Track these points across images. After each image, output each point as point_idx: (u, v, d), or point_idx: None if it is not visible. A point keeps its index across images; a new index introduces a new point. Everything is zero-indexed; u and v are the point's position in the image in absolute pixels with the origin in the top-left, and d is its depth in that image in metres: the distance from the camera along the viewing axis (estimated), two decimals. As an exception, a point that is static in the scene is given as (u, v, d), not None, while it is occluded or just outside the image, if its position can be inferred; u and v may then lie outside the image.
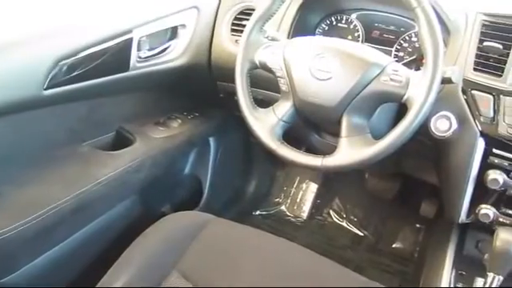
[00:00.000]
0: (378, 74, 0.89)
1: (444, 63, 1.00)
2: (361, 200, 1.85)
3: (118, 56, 1.09)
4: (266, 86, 1.18)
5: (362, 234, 1.80)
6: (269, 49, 1.01)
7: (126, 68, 1.13)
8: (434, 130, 1.00)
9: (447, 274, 1.03)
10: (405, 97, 0.87)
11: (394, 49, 1.21)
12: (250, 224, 1.78)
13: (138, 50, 1.14)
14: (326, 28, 1.29)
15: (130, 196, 1.29)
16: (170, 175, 1.47)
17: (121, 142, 1.26)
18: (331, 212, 1.89)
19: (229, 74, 1.06)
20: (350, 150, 0.90)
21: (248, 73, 1.03)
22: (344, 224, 1.85)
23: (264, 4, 1.00)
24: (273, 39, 1.06)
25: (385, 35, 1.23)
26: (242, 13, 1.27)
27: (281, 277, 0.96)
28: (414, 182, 1.45)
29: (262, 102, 1.07)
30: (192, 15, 1.24)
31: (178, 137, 1.34)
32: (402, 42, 1.20)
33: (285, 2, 1.04)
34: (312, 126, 1.17)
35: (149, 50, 1.18)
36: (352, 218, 1.85)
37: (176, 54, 1.25)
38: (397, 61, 1.19)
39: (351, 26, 1.26)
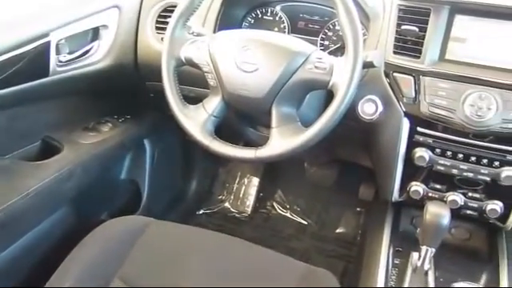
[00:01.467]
0: (302, 63, 0.90)
1: (365, 48, 1.04)
2: (302, 190, 1.88)
3: (35, 61, 1.04)
4: (196, 83, 1.16)
5: (305, 222, 1.83)
6: (194, 44, 1.00)
7: (46, 73, 1.08)
8: (361, 114, 1.03)
9: (385, 253, 1.07)
10: (330, 83, 0.89)
11: (319, 38, 1.24)
12: (195, 224, 1.77)
13: (57, 53, 1.09)
14: (252, 21, 1.29)
15: (63, 206, 1.24)
16: (105, 181, 1.42)
17: (48, 151, 1.20)
18: (275, 204, 1.91)
19: (157, 73, 1.04)
20: (281, 140, 0.91)
21: (175, 70, 1.01)
22: (288, 215, 1.87)
23: (185, 0, 0.99)
24: (198, 35, 1.04)
25: (310, 25, 1.26)
26: (165, 10, 1.25)
27: (225, 273, 0.96)
28: (351, 167, 1.49)
29: (195, 99, 1.06)
30: (113, 15, 1.21)
31: (110, 141, 1.29)
32: (326, 30, 1.23)
33: (209, -3, 1.03)
34: (245, 119, 1.17)
35: (69, 53, 1.13)
36: (295, 208, 1.87)
37: (99, 56, 1.21)
38: (323, 49, 1.23)
39: (277, 18, 1.28)
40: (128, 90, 1.39)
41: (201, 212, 1.89)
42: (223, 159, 1.42)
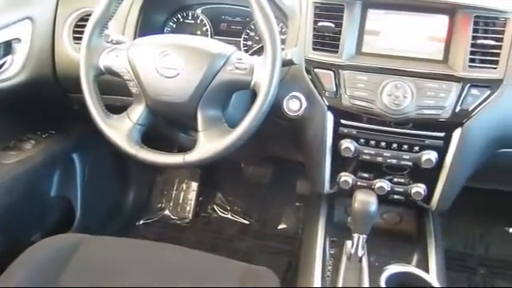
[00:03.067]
0: (223, 65, 0.91)
1: (286, 46, 1.06)
2: (241, 190, 1.89)
3: None
4: (120, 92, 1.13)
5: (247, 222, 1.84)
6: (113, 52, 0.98)
7: (-45, 92, 1.02)
8: (287, 111, 1.05)
9: (320, 244, 1.09)
10: (252, 83, 0.90)
11: (242, 39, 1.25)
12: (135, 235, 1.73)
13: (-33, 70, 1.03)
14: (174, 26, 1.28)
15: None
16: (33, 201, 1.35)
17: None
18: (215, 207, 1.90)
19: (78, 85, 1.01)
20: (208, 143, 0.91)
21: (95, 80, 0.99)
22: (229, 216, 1.87)
23: (100, 7, 0.97)
24: (118, 42, 1.02)
25: (232, 27, 1.26)
26: (82, 19, 1.21)
27: (163, 282, 0.94)
28: (287, 163, 1.52)
29: (122, 109, 1.03)
30: (26, 27, 1.16)
31: (34, 159, 1.24)
32: (248, 31, 1.24)
33: (126, 3, 1.01)
34: (174, 124, 1.16)
35: (-21, 70, 1.08)
36: (236, 208, 1.88)
37: (14, 71, 1.15)
38: (246, 50, 1.24)
39: (198, 21, 1.27)
40: (50, 104, 1.34)
41: (140, 223, 1.85)
42: (161, 167, 1.40)
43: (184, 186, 1.93)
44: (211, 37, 1.27)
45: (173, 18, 1.28)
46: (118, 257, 1.01)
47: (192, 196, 1.91)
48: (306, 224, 1.24)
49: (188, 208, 1.90)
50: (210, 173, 1.93)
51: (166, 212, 1.90)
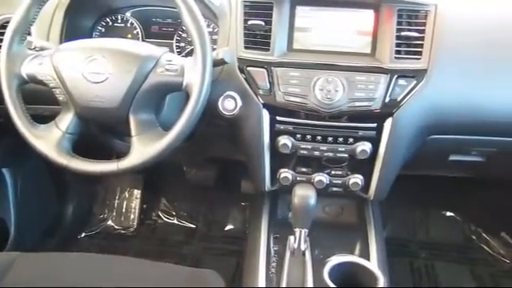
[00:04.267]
0: (153, 67, 0.89)
1: (218, 46, 1.06)
2: (186, 194, 1.86)
3: None
4: (47, 101, 1.08)
5: (194, 226, 1.82)
6: (35, 60, 0.93)
7: None
8: (222, 111, 1.04)
9: (264, 242, 1.09)
10: (184, 84, 0.88)
11: (174, 41, 1.23)
12: (77, 249, 1.67)
13: None
14: (103, 30, 1.24)
15: None
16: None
17: None
18: (160, 213, 1.87)
19: (0, 95, 0.95)
20: (142, 148, 0.89)
21: (18, 89, 0.94)
22: (175, 221, 1.84)
23: (18, 13, 0.92)
24: (41, 49, 0.98)
25: (164, 29, 1.24)
26: (2, 26, 1.15)
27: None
28: (230, 163, 1.51)
29: (51, 118, 0.99)
30: None
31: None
32: (180, 32, 1.22)
33: (49, 8, 0.97)
34: (107, 131, 1.13)
35: None
36: (181, 213, 1.85)
37: None
38: (179, 52, 1.23)
39: (128, 25, 1.24)
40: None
41: (82, 235, 1.79)
42: (97, 176, 1.35)
43: (127, 194, 1.88)
44: (142, 40, 1.24)
45: (101, 21, 1.24)
46: (57, 272, 0.96)
47: (136, 204, 1.87)
48: (251, 223, 1.24)
49: (132, 216, 1.85)
50: (153, 179, 1.89)
51: (109, 222, 1.84)
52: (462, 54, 1.04)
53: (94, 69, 0.89)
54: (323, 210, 1.24)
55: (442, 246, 1.80)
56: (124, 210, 1.86)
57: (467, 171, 1.41)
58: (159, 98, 0.94)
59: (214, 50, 0.96)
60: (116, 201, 1.87)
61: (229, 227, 1.80)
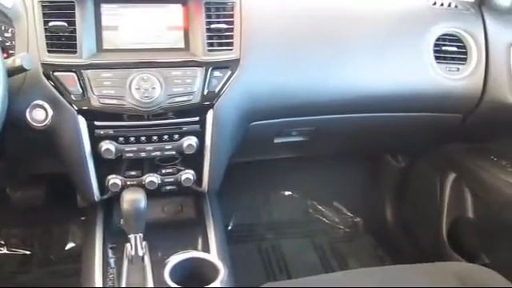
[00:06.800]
0: None
1: (16, 52, 0.96)
2: (14, 218, 1.68)
3: None
4: None
5: (29, 252, 1.65)
6: None
7: None
8: (32, 122, 0.96)
9: (99, 254, 1.03)
10: None
11: None
12: None
13: None
14: None
15: None
16: None
17: None
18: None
19: None
20: None
21: None
22: (5, 251, 1.65)
23: None
24: None
25: None
26: None
27: None
28: (61, 177, 1.39)
29: None
30: None
31: None
32: None
33: None
34: None
35: None
36: (13, 241, 1.67)
37: None
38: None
39: None
40: None
41: None
42: None
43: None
44: None
45: None
46: None
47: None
48: (85, 237, 1.16)
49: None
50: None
51: None
52: (269, 43, 1.10)
53: None
54: (162, 210, 1.21)
55: (285, 225, 1.91)
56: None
57: (293, 151, 1.51)
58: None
59: (11, 56, 0.86)
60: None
61: (69, 246, 1.67)
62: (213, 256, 1.01)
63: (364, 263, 1.73)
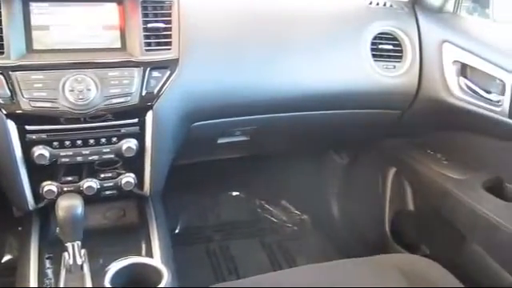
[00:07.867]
0: None
1: None
2: None
3: None
4: None
5: None
6: None
7: None
8: (-44, 129, 0.89)
9: (34, 266, 0.98)
10: None
11: None
12: None
13: None
14: None
15: None
16: None
17: None
18: None
19: None
20: None
21: None
22: None
23: None
24: None
25: None
26: None
27: None
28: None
29: None
30: None
31: None
32: None
33: None
34: None
35: None
36: None
37: None
38: None
39: None
40: None
41: None
42: None
43: None
44: None
45: None
46: None
47: None
48: (20, 249, 1.10)
49: None
50: None
51: None
52: (209, 42, 1.09)
53: None
54: (104, 215, 1.17)
55: (233, 225, 1.91)
56: None
57: (238, 151, 1.51)
58: None
59: None
60: None
61: (6, 258, 1.59)
62: (156, 260, 0.99)
63: (312, 260, 1.73)
